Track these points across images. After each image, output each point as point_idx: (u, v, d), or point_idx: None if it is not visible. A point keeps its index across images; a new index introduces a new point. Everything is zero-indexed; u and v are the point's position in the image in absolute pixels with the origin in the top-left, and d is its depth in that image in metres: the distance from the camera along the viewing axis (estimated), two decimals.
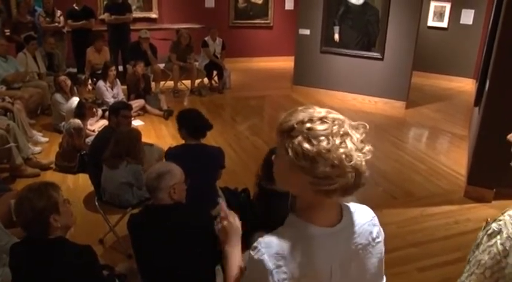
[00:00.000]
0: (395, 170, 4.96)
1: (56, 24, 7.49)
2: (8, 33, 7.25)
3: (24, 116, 5.39)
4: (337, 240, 1.14)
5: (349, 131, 1.07)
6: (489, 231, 1.29)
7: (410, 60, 6.91)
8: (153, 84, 7.29)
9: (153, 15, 9.29)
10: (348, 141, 1.05)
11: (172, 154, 3.16)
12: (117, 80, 6.43)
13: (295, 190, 1.14)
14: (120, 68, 7.73)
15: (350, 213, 1.19)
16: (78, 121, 4.77)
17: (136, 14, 8.79)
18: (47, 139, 5.47)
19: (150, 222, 2.30)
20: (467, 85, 8.73)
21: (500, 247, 1.24)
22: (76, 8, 7.59)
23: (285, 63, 9.60)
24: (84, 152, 4.57)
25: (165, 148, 3.55)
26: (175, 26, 8.75)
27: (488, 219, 1.34)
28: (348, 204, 1.22)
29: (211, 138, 5.11)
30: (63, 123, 5.39)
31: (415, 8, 6.73)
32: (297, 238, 1.11)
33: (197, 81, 7.91)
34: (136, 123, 5.81)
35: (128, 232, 2.41)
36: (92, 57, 7.29)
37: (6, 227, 2.71)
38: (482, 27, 8.38)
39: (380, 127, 6.33)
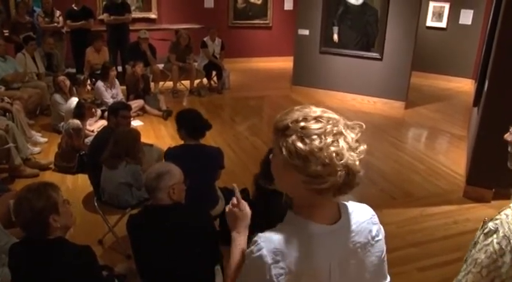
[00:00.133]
0: (395, 170, 4.97)
1: (55, 24, 7.49)
2: (6, 34, 7.25)
3: (23, 117, 5.38)
4: (336, 238, 1.14)
5: (343, 130, 1.07)
6: (486, 230, 1.30)
7: (409, 60, 6.92)
8: (152, 84, 7.29)
9: (152, 16, 9.29)
10: (340, 140, 1.05)
11: (171, 154, 3.16)
12: (116, 80, 6.43)
13: (289, 188, 1.15)
14: (119, 68, 7.73)
15: (348, 212, 1.20)
16: (77, 121, 4.77)
17: (136, 14, 8.80)
18: (46, 139, 5.47)
19: (149, 222, 2.30)
20: (466, 85, 8.74)
21: (496, 246, 1.25)
22: (75, 8, 7.60)
23: (284, 63, 9.60)
24: (83, 152, 4.57)
25: (165, 148, 3.55)
26: (175, 27, 8.75)
27: (486, 218, 1.35)
28: (346, 203, 1.22)
29: (210, 139, 5.11)
30: (62, 123, 5.38)
31: (414, 8, 6.74)
32: (296, 235, 1.12)
33: (196, 81, 7.92)
34: (135, 123, 5.81)
35: (127, 232, 2.40)
36: (91, 58, 7.28)
37: (6, 227, 2.71)
38: (481, 27, 8.39)
39: (379, 127, 6.33)
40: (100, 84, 6.21)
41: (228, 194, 3.47)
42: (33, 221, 1.90)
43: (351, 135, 1.08)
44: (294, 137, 1.05)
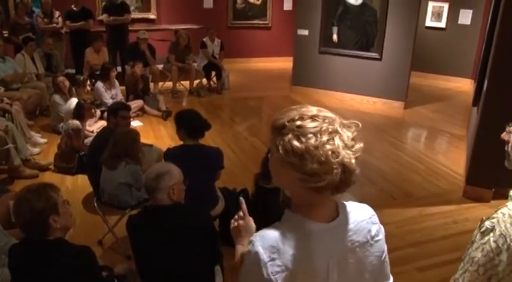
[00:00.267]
0: (394, 170, 4.97)
1: (54, 25, 7.48)
2: (6, 35, 7.25)
3: (22, 117, 5.38)
4: (334, 236, 1.15)
5: (339, 128, 1.08)
6: (482, 229, 1.30)
7: (408, 60, 6.92)
8: (151, 85, 7.30)
9: (152, 16, 9.29)
10: (336, 138, 1.06)
11: (171, 155, 3.16)
12: (116, 80, 6.43)
13: (287, 187, 1.16)
14: (119, 68, 7.72)
15: (346, 211, 1.20)
16: (76, 122, 4.76)
17: (135, 15, 8.79)
18: (45, 140, 5.47)
19: (149, 223, 2.30)
20: (465, 85, 8.74)
21: (493, 244, 1.25)
22: (74, 8, 7.59)
23: (284, 63, 9.60)
24: (83, 153, 4.57)
25: (164, 149, 3.55)
26: (174, 27, 8.75)
27: (483, 217, 1.35)
28: (345, 202, 1.22)
29: (209, 139, 5.12)
30: (61, 124, 5.38)
31: (413, 8, 6.74)
32: (293, 232, 1.12)
33: (196, 82, 7.92)
34: (135, 124, 5.81)
35: (126, 233, 2.40)
36: (91, 58, 7.28)
37: (5, 228, 2.70)
38: (480, 27, 8.40)
39: (378, 127, 6.34)
40: (99, 84, 6.21)
41: (228, 194, 3.48)
42: (33, 221, 1.90)
43: (346, 134, 1.09)
44: (290, 135, 1.07)
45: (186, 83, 7.89)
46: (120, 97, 6.36)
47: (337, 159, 1.04)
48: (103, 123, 5.19)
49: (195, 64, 7.91)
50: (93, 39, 7.40)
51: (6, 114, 5.10)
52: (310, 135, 1.05)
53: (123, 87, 6.75)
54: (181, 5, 9.48)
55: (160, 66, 7.74)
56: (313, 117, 1.08)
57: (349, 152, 1.07)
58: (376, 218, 1.25)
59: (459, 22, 8.69)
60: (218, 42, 8.04)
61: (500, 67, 3.97)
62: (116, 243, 3.41)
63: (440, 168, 5.04)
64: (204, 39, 7.92)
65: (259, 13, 10.22)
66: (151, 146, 4.59)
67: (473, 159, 4.28)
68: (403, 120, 6.86)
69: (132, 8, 8.53)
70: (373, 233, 1.22)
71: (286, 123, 1.08)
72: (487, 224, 1.29)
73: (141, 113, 6.52)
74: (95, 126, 5.48)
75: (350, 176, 1.08)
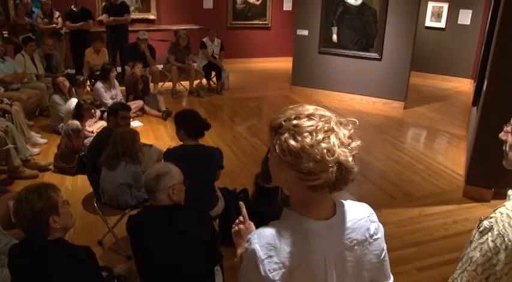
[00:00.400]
0: (394, 170, 4.97)
1: (54, 25, 7.48)
2: (6, 35, 7.25)
3: (22, 118, 5.38)
4: (331, 234, 1.15)
5: (335, 127, 1.08)
6: (481, 229, 1.30)
7: (408, 60, 6.93)
8: (151, 85, 7.30)
9: (152, 17, 9.29)
10: (332, 136, 1.06)
11: (171, 155, 3.16)
12: (116, 81, 6.43)
13: (285, 185, 1.16)
14: (119, 69, 7.73)
15: (344, 209, 1.20)
16: (76, 122, 4.76)
17: (135, 15, 8.80)
18: (45, 140, 5.47)
19: (149, 223, 2.30)
20: (465, 85, 8.75)
21: (491, 244, 1.25)
22: (74, 9, 7.60)
23: (283, 63, 9.61)
24: (83, 153, 4.57)
25: (164, 149, 3.55)
26: (174, 27, 8.75)
27: (482, 217, 1.35)
28: (344, 201, 1.23)
29: (209, 139, 5.12)
30: (61, 124, 5.39)
31: (413, 8, 6.74)
32: (290, 230, 1.13)
33: (195, 82, 7.92)
34: (134, 124, 5.81)
35: (126, 233, 2.40)
36: (90, 58, 7.28)
37: (5, 228, 2.70)
38: (480, 27, 8.40)
39: (378, 127, 6.34)
40: (99, 85, 6.21)
41: (228, 194, 3.48)
42: (33, 221, 1.90)
43: (343, 132, 1.09)
44: (286, 134, 1.07)
45: (186, 83, 7.90)
46: (120, 97, 6.36)
47: (332, 158, 1.05)
48: (103, 124, 5.19)
49: (195, 64, 7.91)
50: (93, 39, 7.40)
51: (6, 115, 5.10)
52: (305, 134, 1.06)
53: (123, 88, 6.75)
54: (181, 5, 9.48)
55: (160, 67, 7.74)
56: (309, 116, 1.09)
57: (345, 150, 1.07)
58: (374, 217, 1.25)
59: (459, 22, 8.69)
60: (218, 42, 8.04)
61: (499, 67, 3.97)
62: (116, 243, 3.41)
63: (440, 168, 5.04)
64: (204, 40, 7.92)
65: (259, 13, 10.22)
66: (151, 146, 4.59)
67: (473, 159, 4.28)
68: (402, 120, 6.86)
69: (132, 9, 8.54)
70: (371, 231, 1.22)
71: (283, 123, 1.09)
72: (485, 223, 1.30)
73: (141, 113, 6.53)
74: (95, 126, 5.48)
75: (347, 174, 1.08)
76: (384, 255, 1.26)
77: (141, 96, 6.64)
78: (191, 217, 2.35)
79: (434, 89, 8.53)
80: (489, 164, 4.00)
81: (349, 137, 1.10)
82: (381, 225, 1.26)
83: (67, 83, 5.82)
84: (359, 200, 1.30)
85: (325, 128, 1.07)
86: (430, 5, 8.86)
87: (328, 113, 1.12)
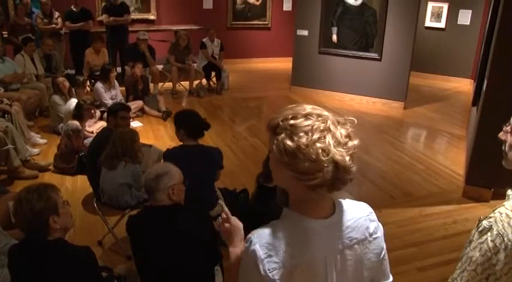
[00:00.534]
0: (394, 170, 4.97)
1: (54, 25, 7.48)
2: (5, 35, 7.25)
3: (22, 118, 5.38)
4: (331, 233, 1.15)
5: (332, 126, 1.08)
6: (480, 228, 1.30)
7: (408, 60, 6.93)
8: (151, 85, 7.30)
9: (151, 17, 9.30)
10: (328, 136, 1.06)
11: (170, 155, 3.16)
12: (116, 81, 6.43)
13: (284, 185, 1.16)
14: (119, 69, 7.73)
15: (344, 208, 1.20)
16: (76, 123, 4.76)
17: (135, 16, 8.80)
18: (45, 141, 5.47)
19: (149, 223, 2.30)
20: (465, 85, 8.75)
21: (490, 244, 1.25)
22: (74, 9, 7.60)
23: (283, 64, 9.61)
24: (83, 153, 4.57)
25: (164, 149, 3.55)
26: (174, 28, 8.75)
27: (481, 216, 1.35)
28: (343, 200, 1.23)
29: (209, 139, 5.12)
30: (61, 124, 5.39)
31: (413, 8, 6.75)
32: (290, 229, 1.13)
33: (195, 82, 7.92)
34: (134, 124, 5.81)
35: (126, 233, 2.40)
36: (90, 59, 7.28)
37: (5, 228, 2.71)
38: (479, 27, 8.40)
39: (378, 127, 6.34)
40: (99, 85, 6.21)
41: (228, 194, 3.48)
42: (33, 222, 1.90)
43: (340, 131, 1.09)
44: (283, 134, 1.08)
45: (186, 84, 7.89)
46: (119, 98, 6.36)
47: (327, 157, 1.04)
48: (103, 124, 5.19)
49: (195, 65, 7.91)
50: (92, 39, 7.40)
51: (6, 115, 5.09)
52: (301, 134, 1.06)
53: (123, 88, 6.75)
54: (181, 5, 9.48)
55: (160, 67, 7.74)
56: (306, 116, 1.09)
57: (341, 149, 1.07)
58: (374, 216, 1.25)
59: (458, 22, 8.70)
60: (218, 42, 8.04)
61: (499, 67, 3.97)
62: (116, 243, 3.41)
63: (440, 168, 5.04)
64: (204, 40, 7.93)
65: (259, 14, 10.22)
66: (150, 146, 4.59)
67: (472, 159, 4.28)
68: (402, 120, 6.86)
69: (131, 9, 8.54)
70: (371, 230, 1.22)
71: (280, 123, 1.10)
72: (485, 223, 1.30)
73: (141, 113, 6.53)
74: (95, 126, 5.48)
75: (345, 173, 1.08)
76: (384, 255, 1.26)
77: (141, 97, 6.64)
78: (191, 217, 2.35)
79: (434, 89, 8.53)
80: (489, 164, 4.00)
81: (347, 136, 1.09)
82: (380, 224, 1.26)
83: (67, 83, 5.82)
84: (359, 200, 1.30)
85: (321, 128, 1.07)
86: (430, 5, 8.86)
87: (325, 113, 1.11)
